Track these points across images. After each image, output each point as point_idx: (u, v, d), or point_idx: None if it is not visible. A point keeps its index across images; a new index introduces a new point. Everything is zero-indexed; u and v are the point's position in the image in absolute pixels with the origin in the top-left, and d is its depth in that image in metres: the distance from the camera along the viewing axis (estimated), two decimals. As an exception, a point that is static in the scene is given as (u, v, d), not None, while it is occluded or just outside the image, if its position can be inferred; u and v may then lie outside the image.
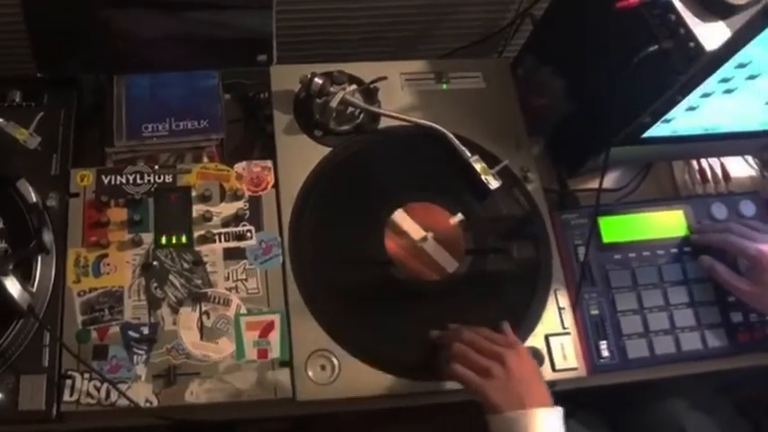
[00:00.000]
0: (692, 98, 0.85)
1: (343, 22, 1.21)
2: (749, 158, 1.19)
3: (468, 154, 0.98)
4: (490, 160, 1.00)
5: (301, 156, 0.99)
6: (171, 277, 0.90)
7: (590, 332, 0.95)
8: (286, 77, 1.03)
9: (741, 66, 0.79)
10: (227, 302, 0.89)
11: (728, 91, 0.85)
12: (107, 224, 0.91)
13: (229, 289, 0.90)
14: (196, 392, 0.84)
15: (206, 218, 0.93)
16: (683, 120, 0.91)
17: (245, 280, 0.91)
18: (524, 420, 0.77)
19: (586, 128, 0.99)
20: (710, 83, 0.82)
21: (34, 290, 0.84)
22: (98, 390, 0.83)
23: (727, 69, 0.79)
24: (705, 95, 0.85)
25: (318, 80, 0.98)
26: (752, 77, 0.82)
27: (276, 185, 0.96)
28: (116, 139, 0.99)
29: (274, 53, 1.04)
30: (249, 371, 0.86)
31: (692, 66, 0.80)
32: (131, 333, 0.86)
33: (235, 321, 0.88)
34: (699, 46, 0.78)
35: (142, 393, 0.83)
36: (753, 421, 1.29)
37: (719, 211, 1.07)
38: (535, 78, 1.07)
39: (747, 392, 1.35)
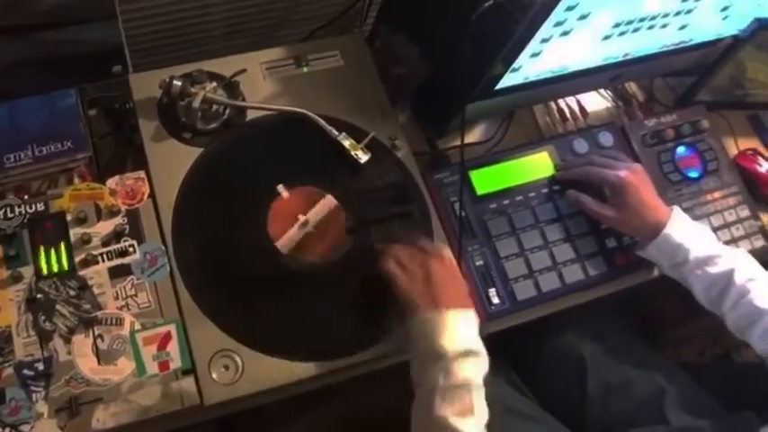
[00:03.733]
0: (534, 45, 0.83)
1: (201, 20, 1.14)
2: (602, 91, 1.20)
3: (336, 132, 0.94)
4: (359, 135, 0.95)
5: (173, 161, 0.92)
6: (58, 307, 0.83)
7: (478, 282, 0.94)
8: (146, 84, 0.96)
9: (570, 8, 0.78)
10: (119, 322, 0.83)
11: (565, 33, 0.83)
12: (-18, 265, 0.83)
13: (120, 308, 0.84)
14: (102, 418, 0.78)
15: (85, 240, 0.86)
16: (530, 67, 0.89)
17: (135, 295, 0.85)
18: (436, 319, 0.77)
19: (445, 88, 0.97)
20: (546, 28, 0.80)
21: None
22: (1, 436, 0.76)
23: (558, 13, 0.78)
24: (544, 41, 0.83)
25: (178, 82, 0.92)
26: (583, 17, 0.81)
27: (152, 195, 0.90)
28: (-22, 176, 0.90)
29: (129, 62, 0.97)
30: (153, 386, 0.81)
31: (527, 14, 0.78)
32: (26, 371, 0.79)
33: (131, 339, 0.82)
34: (529, -6, 0.77)
35: (47, 431, 0.77)
36: (652, 335, 1.32)
37: (580, 145, 1.07)
38: (391, 48, 1.03)
39: (643, 309, 1.39)
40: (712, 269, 0.93)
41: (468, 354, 0.76)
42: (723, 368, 1.48)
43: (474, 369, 0.76)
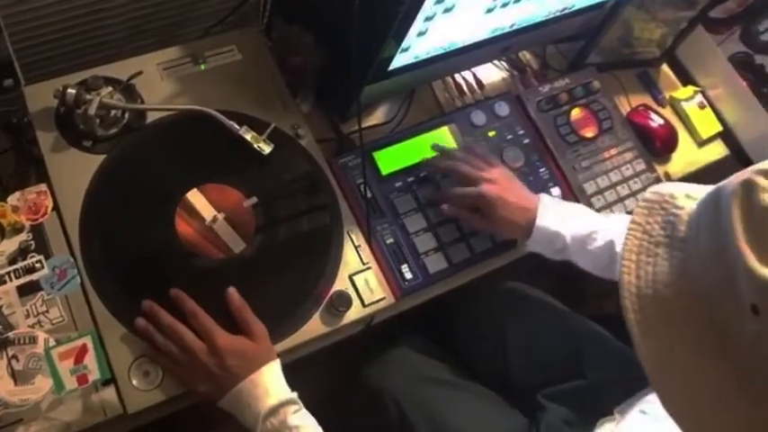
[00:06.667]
0: (419, 24, 0.81)
1: (95, 25, 1.07)
2: (497, 62, 1.18)
3: (237, 126, 0.90)
4: (261, 127, 0.92)
5: (76, 170, 0.87)
6: (-33, 332, 0.77)
7: (390, 260, 0.93)
8: (42, 95, 0.90)
9: (448, -16, 0.76)
10: (33, 340, 0.78)
11: (448, 10, 0.82)
12: None
13: (32, 325, 0.79)
14: (23, 439, 0.74)
15: (-11, 261, 0.81)
16: (419, 45, 0.88)
17: (47, 311, 0.80)
18: (233, 402, 0.77)
19: (342, 73, 0.93)
20: (429, 6, 0.78)
21: None
22: None
23: (437, -9, 0.76)
24: (428, 19, 0.81)
25: (72, 90, 0.87)
26: (462, -7, 0.79)
27: (57, 207, 0.85)
28: None
29: (19, 75, 0.91)
30: (73, 400, 0.77)
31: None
32: (-60, 401, 0.74)
33: (46, 356, 0.78)
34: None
35: (-33, 458, 0.72)
36: (575, 292, 1.32)
37: (478, 117, 1.06)
38: (287, 38, 1.00)
39: (561, 268, 1.39)
40: (592, 246, 0.90)
41: (270, 414, 0.75)
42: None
43: (281, 418, 0.75)
